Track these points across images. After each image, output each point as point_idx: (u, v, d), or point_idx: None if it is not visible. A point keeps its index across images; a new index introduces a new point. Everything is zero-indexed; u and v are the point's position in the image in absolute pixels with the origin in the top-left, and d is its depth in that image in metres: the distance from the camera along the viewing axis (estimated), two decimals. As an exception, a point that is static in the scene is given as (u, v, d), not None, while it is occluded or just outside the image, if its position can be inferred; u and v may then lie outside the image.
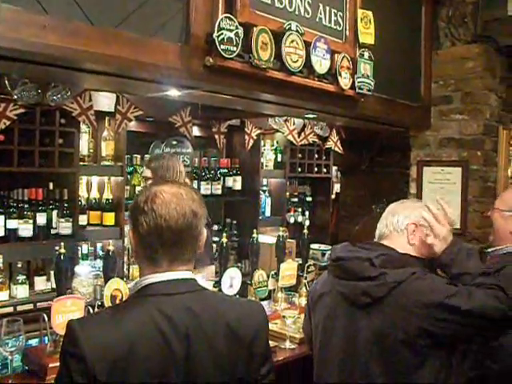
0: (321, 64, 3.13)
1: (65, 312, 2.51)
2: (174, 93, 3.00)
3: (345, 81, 3.30)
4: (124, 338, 1.53)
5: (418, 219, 2.31)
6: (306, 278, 3.87)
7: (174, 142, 5.41)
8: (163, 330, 1.56)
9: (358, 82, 3.40)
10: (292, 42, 2.93)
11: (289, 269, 3.73)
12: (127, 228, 4.16)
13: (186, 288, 1.68)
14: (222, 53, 2.55)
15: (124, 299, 2.69)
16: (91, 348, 1.49)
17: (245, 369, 1.71)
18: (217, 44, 2.53)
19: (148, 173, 3.90)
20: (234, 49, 2.61)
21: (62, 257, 2.67)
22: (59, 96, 3.82)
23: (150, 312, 1.59)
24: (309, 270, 3.93)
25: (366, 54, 3.49)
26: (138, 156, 5.03)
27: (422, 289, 2.09)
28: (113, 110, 4.10)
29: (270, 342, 2.91)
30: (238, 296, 3.25)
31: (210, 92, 2.92)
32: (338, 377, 2.24)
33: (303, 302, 3.74)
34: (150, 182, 3.80)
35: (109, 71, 2.48)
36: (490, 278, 2.16)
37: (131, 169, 4.97)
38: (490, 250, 2.87)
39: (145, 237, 1.65)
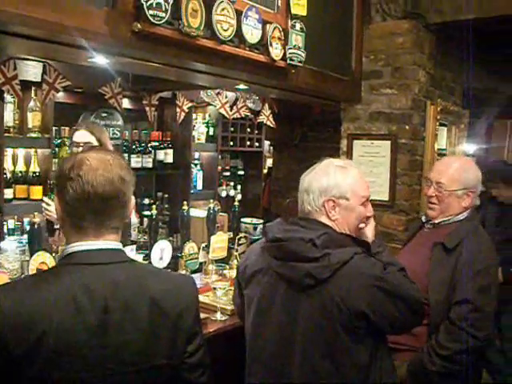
0: (252, 34, 3.10)
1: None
2: (101, 60, 2.90)
3: (276, 51, 3.28)
4: (40, 306, 1.49)
5: (335, 192, 2.20)
6: (237, 251, 3.88)
7: (104, 114, 5.30)
8: (79, 300, 1.52)
9: (290, 54, 3.37)
10: (223, 10, 2.88)
11: (219, 241, 3.73)
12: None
13: (111, 258, 1.64)
14: (151, 19, 2.48)
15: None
16: (5, 316, 1.45)
17: (169, 345, 1.67)
18: (145, 9, 2.44)
19: (89, 137, 3.67)
20: (163, 15, 2.54)
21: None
22: (-19, 64, 3.66)
23: (70, 281, 1.55)
24: (240, 242, 3.93)
25: (298, 26, 3.47)
26: (67, 128, 4.88)
27: (363, 270, 2.09)
28: (39, 80, 3.96)
29: (202, 315, 2.93)
30: (169, 269, 3.23)
31: (139, 60, 2.84)
32: (273, 358, 2.21)
33: (234, 274, 3.75)
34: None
35: (33, 35, 2.37)
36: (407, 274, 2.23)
37: (59, 141, 4.83)
38: (436, 221, 2.97)
39: (71, 204, 1.60)
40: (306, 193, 2.24)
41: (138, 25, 2.49)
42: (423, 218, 3.11)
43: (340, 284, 2.05)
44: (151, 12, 2.48)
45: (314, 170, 2.29)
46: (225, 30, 2.90)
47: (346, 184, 2.21)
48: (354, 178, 2.25)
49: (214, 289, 3.20)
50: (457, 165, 2.96)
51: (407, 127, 4.37)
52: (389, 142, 4.38)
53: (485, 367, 4.69)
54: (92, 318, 1.53)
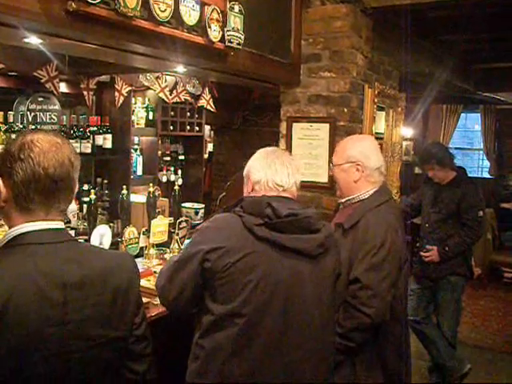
0: (190, 15, 3.07)
1: None
2: (34, 40, 2.82)
3: (214, 33, 3.25)
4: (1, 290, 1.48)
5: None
6: (177, 235, 3.86)
7: (40, 99, 5.18)
8: (37, 280, 1.52)
9: (228, 36, 3.35)
10: (160, -10, 2.84)
11: (160, 225, 3.71)
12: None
13: (58, 238, 1.65)
14: (86, -2, 2.43)
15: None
16: None
17: (121, 318, 1.72)
18: (80, -12, 2.40)
19: None
20: (99, -6, 2.49)
21: None
22: None
23: (24, 262, 1.55)
24: (180, 226, 3.92)
25: (237, 8, 3.45)
26: (1, 113, 4.77)
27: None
28: (-30, 63, 3.84)
29: (143, 299, 2.92)
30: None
31: (74, 40, 2.76)
32: (276, 325, 2.19)
33: (175, 258, 3.73)
34: None
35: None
36: None
37: (-7, 126, 4.70)
38: (342, 200, 3.01)
39: (20, 186, 1.59)
40: (297, 171, 2.43)
41: (73, 4, 2.42)
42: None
43: (334, 250, 2.39)
44: (86, -9, 2.43)
45: (282, 155, 2.48)
46: (162, 11, 2.86)
47: None
48: None
49: (155, 273, 3.18)
50: (345, 141, 3.09)
51: (345, 110, 4.41)
52: (327, 125, 4.41)
53: (421, 341, 4.86)
54: (50, 296, 1.53)
